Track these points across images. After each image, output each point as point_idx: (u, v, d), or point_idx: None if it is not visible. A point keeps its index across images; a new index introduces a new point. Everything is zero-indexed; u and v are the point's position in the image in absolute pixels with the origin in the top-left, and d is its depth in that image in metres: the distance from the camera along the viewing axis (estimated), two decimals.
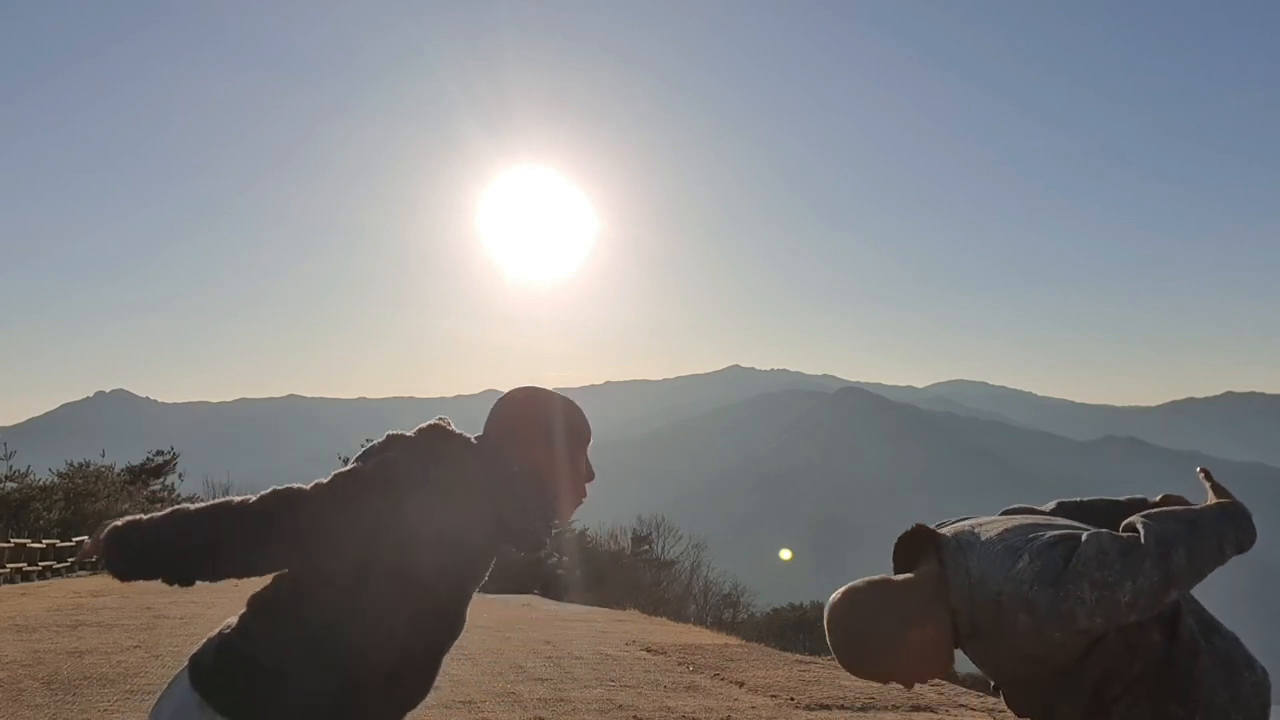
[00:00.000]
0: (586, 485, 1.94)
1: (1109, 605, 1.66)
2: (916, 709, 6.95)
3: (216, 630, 1.85)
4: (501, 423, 1.90)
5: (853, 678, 8.27)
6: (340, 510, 1.67)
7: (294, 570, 1.75)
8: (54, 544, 24.41)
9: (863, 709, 6.87)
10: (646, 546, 41.09)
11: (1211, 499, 1.83)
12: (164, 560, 1.69)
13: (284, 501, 1.67)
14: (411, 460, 1.73)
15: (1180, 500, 1.93)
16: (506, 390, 1.94)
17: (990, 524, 1.86)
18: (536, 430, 1.88)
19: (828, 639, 1.84)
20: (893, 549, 1.93)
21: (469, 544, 1.78)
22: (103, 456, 36.99)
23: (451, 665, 7.38)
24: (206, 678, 1.74)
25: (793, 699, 7.16)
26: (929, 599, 1.81)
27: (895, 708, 6.96)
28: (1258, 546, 1.80)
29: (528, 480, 1.83)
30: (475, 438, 1.88)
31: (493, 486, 1.79)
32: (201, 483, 42.26)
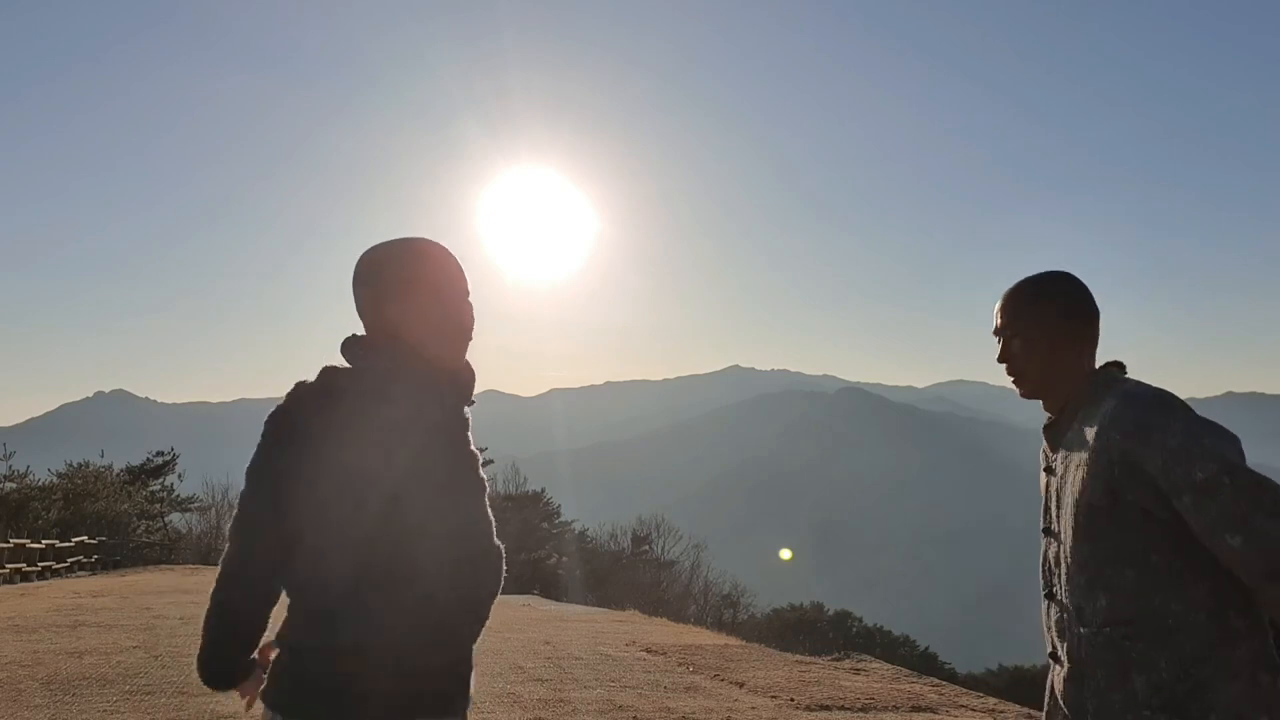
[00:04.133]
0: (468, 322, 1.82)
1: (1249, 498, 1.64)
2: (916, 709, 6.94)
3: None
4: (360, 308, 1.81)
5: (853, 678, 8.29)
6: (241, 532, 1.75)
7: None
8: (53, 544, 24.41)
9: (863, 709, 6.86)
10: (646, 546, 41.11)
11: None
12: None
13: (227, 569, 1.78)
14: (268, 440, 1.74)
15: None
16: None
17: None
18: (388, 292, 1.77)
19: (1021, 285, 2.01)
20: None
21: (364, 457, 1.65)
22: (101, 457, 36.99)
23: None
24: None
25: (793, 700, 7.15)
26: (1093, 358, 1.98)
27: (895, 708, 6.95)
28: None
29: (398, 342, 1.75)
30: (351, 341, 1.80)
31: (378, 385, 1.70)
32: (201, 483, 42.32)
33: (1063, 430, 1.96)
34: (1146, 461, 1.71)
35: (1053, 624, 1.95)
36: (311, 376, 1.77)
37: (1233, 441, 1.72)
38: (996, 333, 2.03)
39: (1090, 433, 1.84)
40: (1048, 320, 1.95)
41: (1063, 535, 1.90)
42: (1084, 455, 1.84)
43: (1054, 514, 1.96)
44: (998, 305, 2.03)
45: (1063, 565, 1.91)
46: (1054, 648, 1.96)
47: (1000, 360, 2.01)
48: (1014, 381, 2.02)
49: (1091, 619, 1.83)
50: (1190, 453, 1.68)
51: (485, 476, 1.85)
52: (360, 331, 1.82)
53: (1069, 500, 1.88)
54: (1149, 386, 1.84)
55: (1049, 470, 2.00)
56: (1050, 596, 1.97)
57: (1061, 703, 1.92)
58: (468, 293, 1.84)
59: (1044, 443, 2.05)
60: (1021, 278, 2.03)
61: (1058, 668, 1.94)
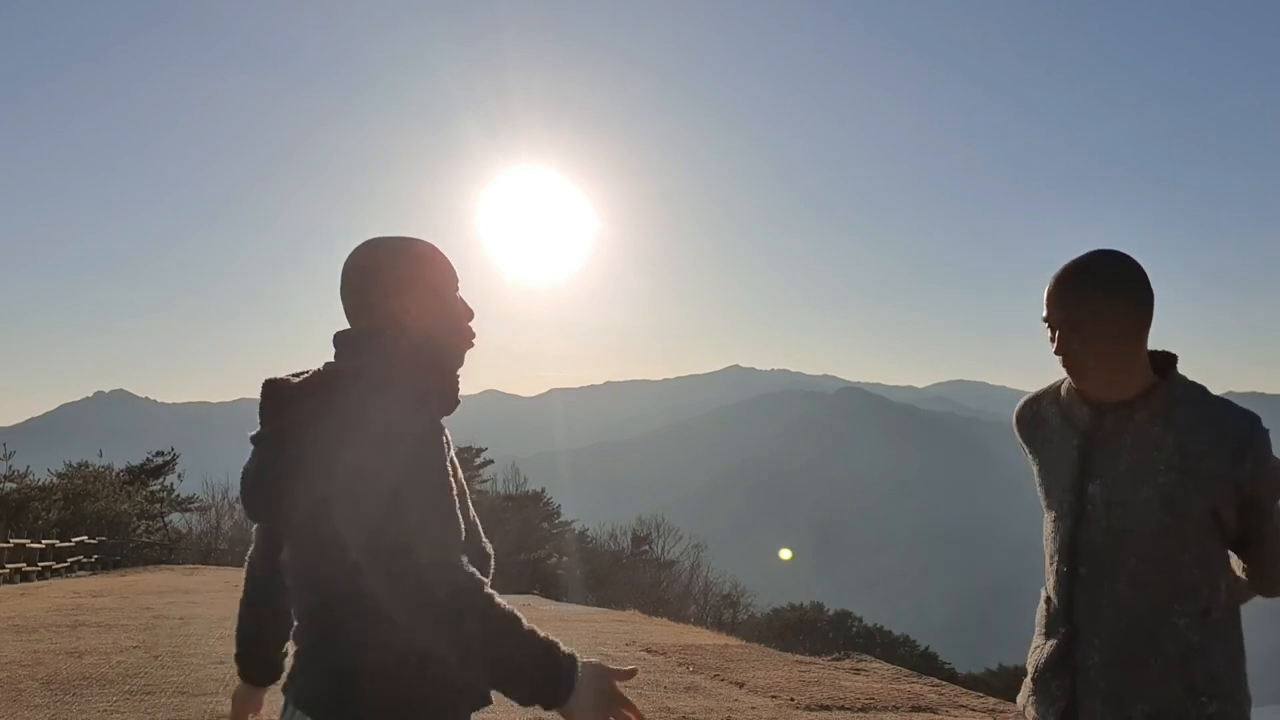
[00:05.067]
0: (470, 324, 1.80)
1: None
2: (916, 709, 6.94)
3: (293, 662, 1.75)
4: (358, 305, 1.74)
5: (853, 678, 8.29)
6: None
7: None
8: (53, 544, 24.42)
9: (863, 709, 6.86)
10: (646, 546, 41.13)
11: None
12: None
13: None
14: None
15: None
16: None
17: None
18: (388, 289, 1.73)
19: (1078, 268, 1.90)
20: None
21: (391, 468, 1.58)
22: (101, 457, 37.00)
23: None
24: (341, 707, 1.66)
25: (793, 700, 7.15)
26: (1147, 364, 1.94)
27: (895, 708, 6.95)
28: None
29: (402, 352, 1.70)
30: (345, 335, 1.75)
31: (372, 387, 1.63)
32: (201, 483, 42.28)
33: (1138, 420, 1.90)
34: (1258, 488, 1.87)
35: (1080, 603, 1.93)
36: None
37: None
38: (1049, 322, 1.91)
39: (1211, 448, 1.85)
40: (1114, 320, 1.85)
41: (1122, 522, 1.89)
42: (1200, 466, 1.85)
43: (1096, 492, 1.92)
44: (1054, 291, 1.90)
45: (1118, 550, 1.89)
46: (1072, 626, 1.94)
47: (1057, 354, 1.91)
48: (1069, 373, 1.93)
49: (1153, 607, 1.87)
50: (1276, 477, 1.88)
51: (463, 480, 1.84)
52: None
53: (1150, 496, 1.86)
54: (1252, 413, 1.92)
55: (1088, 438, 1.94)
56: (1074, 574, 1.95)
57: (1100, 686, 1.91)
58: (458, 283, 1.82)
59: (1069, 412, 1.99)
60: (1082, 264, 1.89)
61: (1086, 650, 1.93)
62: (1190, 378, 1.95)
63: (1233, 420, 1.87)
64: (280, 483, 1.69)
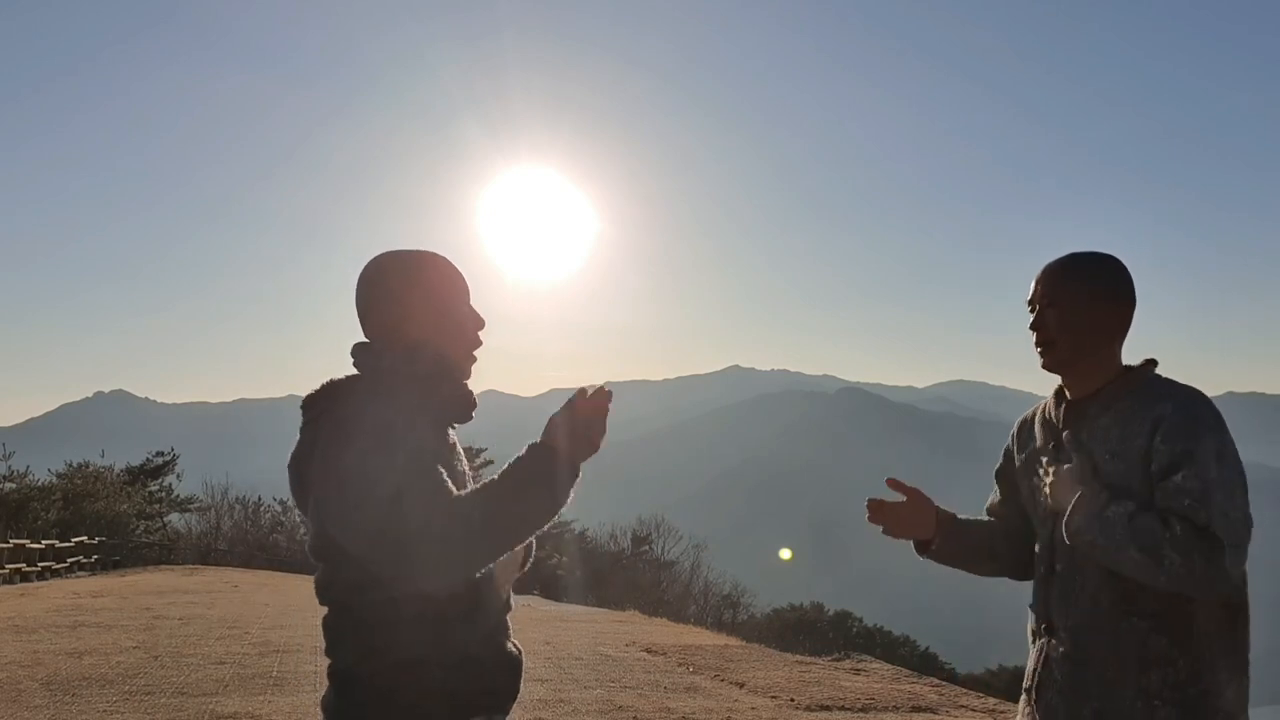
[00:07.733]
0: (478, 333, 1.84)
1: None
2: (916, 709, 6.94)
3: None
4: (374, 318, 1.80)
5: (853, 678, 8.28)
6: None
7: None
8: (53, 544, 24.40)
9: (863, 710, 6.86)
10: (646, 547, 41.10)
11: None
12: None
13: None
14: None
15: None
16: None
17: None
18: (385, 301, 1.78)
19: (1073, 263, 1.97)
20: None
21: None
22: (102, 457, 36.95)
23: None
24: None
25: (793, 700, 7.15)
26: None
27: (895, 708, 6.94)
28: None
29: (410, 364, 1.73)
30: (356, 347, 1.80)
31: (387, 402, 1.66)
32: (201, 483, 42.21)
33: (1092, 415, 1.92)
34: (1160, 461, 1.78)
35: (1054, 600, 1.94)
36: (315, 377, 1.83)
37: (1237, 472, 1.77)
38: (1032, 301, 1.98)
39: (1138, 430, 1.82)
40: (1089, 297, 1.92)
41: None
42: (1128, 449, 1.83)
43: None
44: (1041, 273, 1.98)
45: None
46: (1048, 623, 1.96)
47: (1032, 328, 1.97)
48: (1040, 351, 1.97)
49: (1114, 607, 1.83)
50: (1194, 457, 1.75)
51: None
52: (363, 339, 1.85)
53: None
54: (1199, 394, 1.85)
55: (1057, 449, 1.97)
56: (1051, 573, 1.96)
57: (1058, 678, 1.91)
58: (467, 294, 1.85)
59: (1046, 417, 2.03)
60: (1072, 253, 1.98)
61: (1053, 643, 1.93)
62: (1189, 378, 1.94)
63: (1165, 398, 1.83)
64: (300, 492, 1.79)
